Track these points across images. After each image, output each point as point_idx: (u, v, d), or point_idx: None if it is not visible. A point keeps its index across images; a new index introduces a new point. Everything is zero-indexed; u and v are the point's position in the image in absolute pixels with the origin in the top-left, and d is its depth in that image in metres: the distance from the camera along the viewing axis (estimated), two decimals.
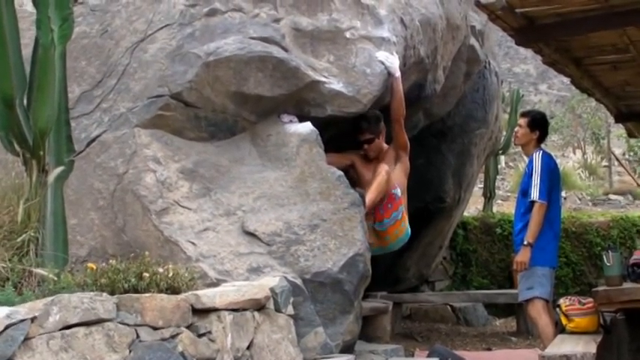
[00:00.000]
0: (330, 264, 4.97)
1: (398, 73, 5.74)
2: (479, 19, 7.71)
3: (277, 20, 5.55)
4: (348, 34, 5.68)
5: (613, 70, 6.60)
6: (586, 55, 6.15)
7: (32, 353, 3.01)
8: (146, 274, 3.89)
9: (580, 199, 16.55)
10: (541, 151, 6.02)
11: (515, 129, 6.43)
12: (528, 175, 5.95)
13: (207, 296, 3.96)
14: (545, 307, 5.81)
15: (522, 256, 5.85)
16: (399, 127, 6.01)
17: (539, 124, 6.13)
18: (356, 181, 6.01)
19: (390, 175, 5.78)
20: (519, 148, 6.94)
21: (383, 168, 5.78)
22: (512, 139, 7.24)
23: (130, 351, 3.42)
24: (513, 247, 6.37)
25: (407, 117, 6.40)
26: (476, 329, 8.93)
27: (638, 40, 5.63)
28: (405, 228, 6.03)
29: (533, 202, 5.82)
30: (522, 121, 6.21)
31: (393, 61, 5.70)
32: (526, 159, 6.41)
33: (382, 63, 5.65)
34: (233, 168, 5.37)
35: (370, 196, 5.59)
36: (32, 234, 3.99)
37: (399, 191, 5.86)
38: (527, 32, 5.40)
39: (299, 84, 5.49)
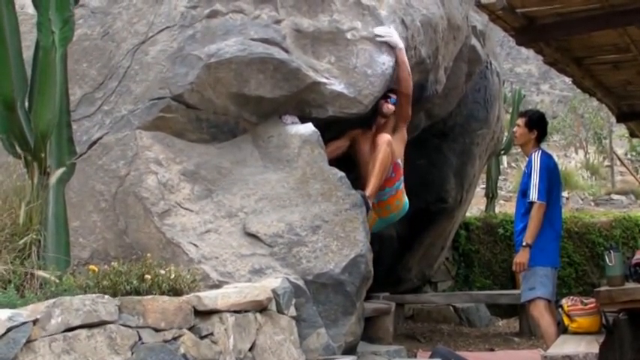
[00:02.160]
0: (332, 265, 4.97)
1: (401, 45, 5.76)
2: (480, 19, 7.71)
3: (278, 21, 5.55)
4: (348, 35, 5.68)
5: (614, 70, 6.60)
6: (587, 54, 6.15)
7: (34, 356, 3.01)
8: (148, 276, 3.90)
9: (582, 199, 16.53)
10: (540, 151, 6.00)
11: (514, 129, 6.43)
12: (527, 175, 5.94)
13: (209, 298, 3.96)
14: (548, 308, 5.78)
15: (521, 257, 5.85)
16: (405, 100, 6.01)
17: (536, 123, 6.11)
18: (355, 159, 6.01)
19: (392, 144, 5.74)
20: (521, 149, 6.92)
21: (383, 139, 5.72)
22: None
23: (133, 353, 3.43)
24: (515, 247, 6.35)
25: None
26: (478, 330, 8.92)
27: (639, 39, 5.62)
28: (404, 198, 6.04)
29: (532, 203, 5.82)
30: (520, 120, 6.20)
31: (392, 34, 5.73)
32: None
33: (382, 38, 5.68)
34: (235, 169, 5.38)
35: (374, 180, 5.60)
36: (34, 236, 4.00)
37: (400, 160, 5.88)
38: (528, 32, 5.40)
39: (300, 85, 5.49)
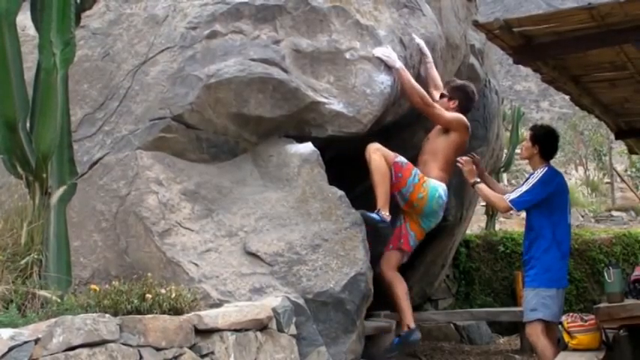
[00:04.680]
0: (332, 283, 4.98)
1: (398, 64, 5.76)
2: (478, 37, 7.75)
3: (277, 42, 5.58)
4: (347, 55, 5.71)
5: (612, 87, 6.62)
6: (584, 72, 6.17)
7: None
8: (149, 295, 3.91)
9: (583, 216, 16.54)
10: (546, 168, 5.86)
11: (523, 142, 6.41)
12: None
13: (210, 317, 3.97)
14: (544, 330, 5.50)
15: (470, 171, 6.12)
16: (427, 113, 6.03)
17: (539, 138, 5.99)
18: None
19: (381, 149, 5.69)
20: (521, 166, 6.92)
21: (368, 149, 5.71)
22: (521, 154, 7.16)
23: None
24: (522, 264, 6.22)
25: (408, 137, 6.41)
26: (479, 347, 8.90)
27: (636, 57, 5.65)
28: (428, 187, 5.83)
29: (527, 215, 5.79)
30: (527, 134, 6.18)
31: (390, 54, 5.76)
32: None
33: (380, 59, 5.72)
34: (235, 189, 5.40)
35: (377, 191, 5.58)
36: (35, 256, 4.01)
37: (401, 158, 5.75)
38: (526, 51, 5.43)
39: (299, 105, 5.52)
